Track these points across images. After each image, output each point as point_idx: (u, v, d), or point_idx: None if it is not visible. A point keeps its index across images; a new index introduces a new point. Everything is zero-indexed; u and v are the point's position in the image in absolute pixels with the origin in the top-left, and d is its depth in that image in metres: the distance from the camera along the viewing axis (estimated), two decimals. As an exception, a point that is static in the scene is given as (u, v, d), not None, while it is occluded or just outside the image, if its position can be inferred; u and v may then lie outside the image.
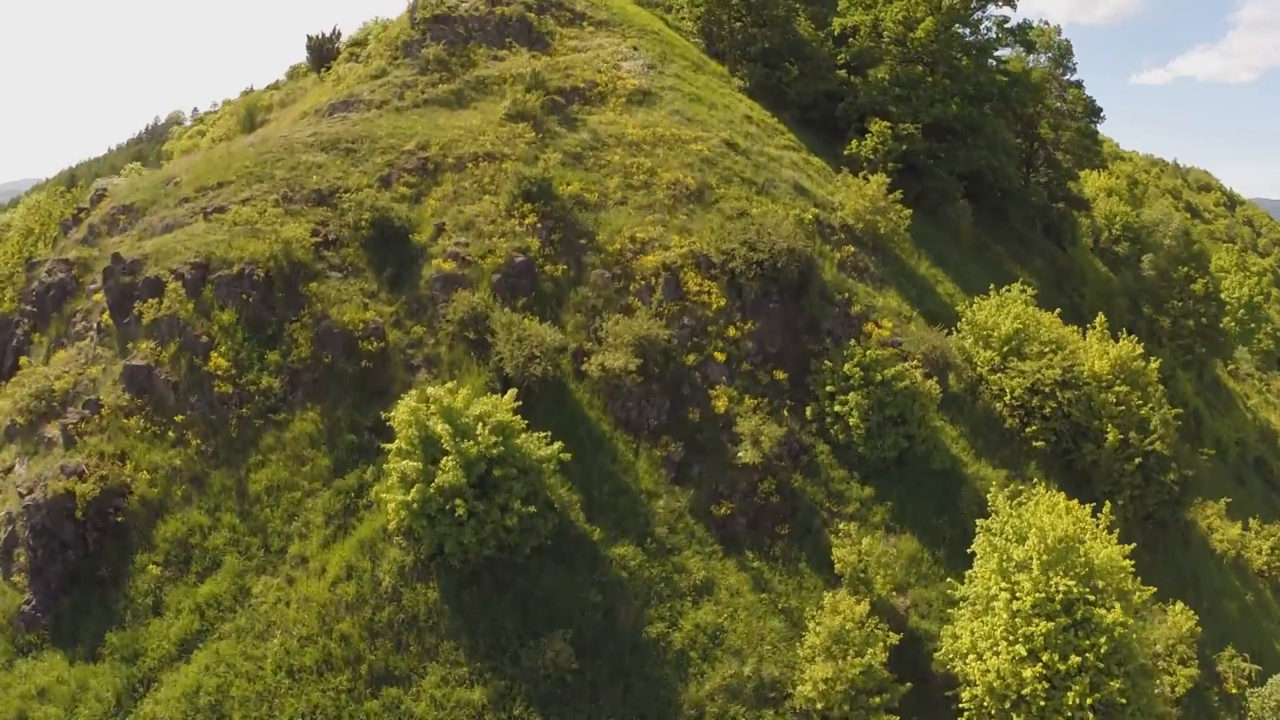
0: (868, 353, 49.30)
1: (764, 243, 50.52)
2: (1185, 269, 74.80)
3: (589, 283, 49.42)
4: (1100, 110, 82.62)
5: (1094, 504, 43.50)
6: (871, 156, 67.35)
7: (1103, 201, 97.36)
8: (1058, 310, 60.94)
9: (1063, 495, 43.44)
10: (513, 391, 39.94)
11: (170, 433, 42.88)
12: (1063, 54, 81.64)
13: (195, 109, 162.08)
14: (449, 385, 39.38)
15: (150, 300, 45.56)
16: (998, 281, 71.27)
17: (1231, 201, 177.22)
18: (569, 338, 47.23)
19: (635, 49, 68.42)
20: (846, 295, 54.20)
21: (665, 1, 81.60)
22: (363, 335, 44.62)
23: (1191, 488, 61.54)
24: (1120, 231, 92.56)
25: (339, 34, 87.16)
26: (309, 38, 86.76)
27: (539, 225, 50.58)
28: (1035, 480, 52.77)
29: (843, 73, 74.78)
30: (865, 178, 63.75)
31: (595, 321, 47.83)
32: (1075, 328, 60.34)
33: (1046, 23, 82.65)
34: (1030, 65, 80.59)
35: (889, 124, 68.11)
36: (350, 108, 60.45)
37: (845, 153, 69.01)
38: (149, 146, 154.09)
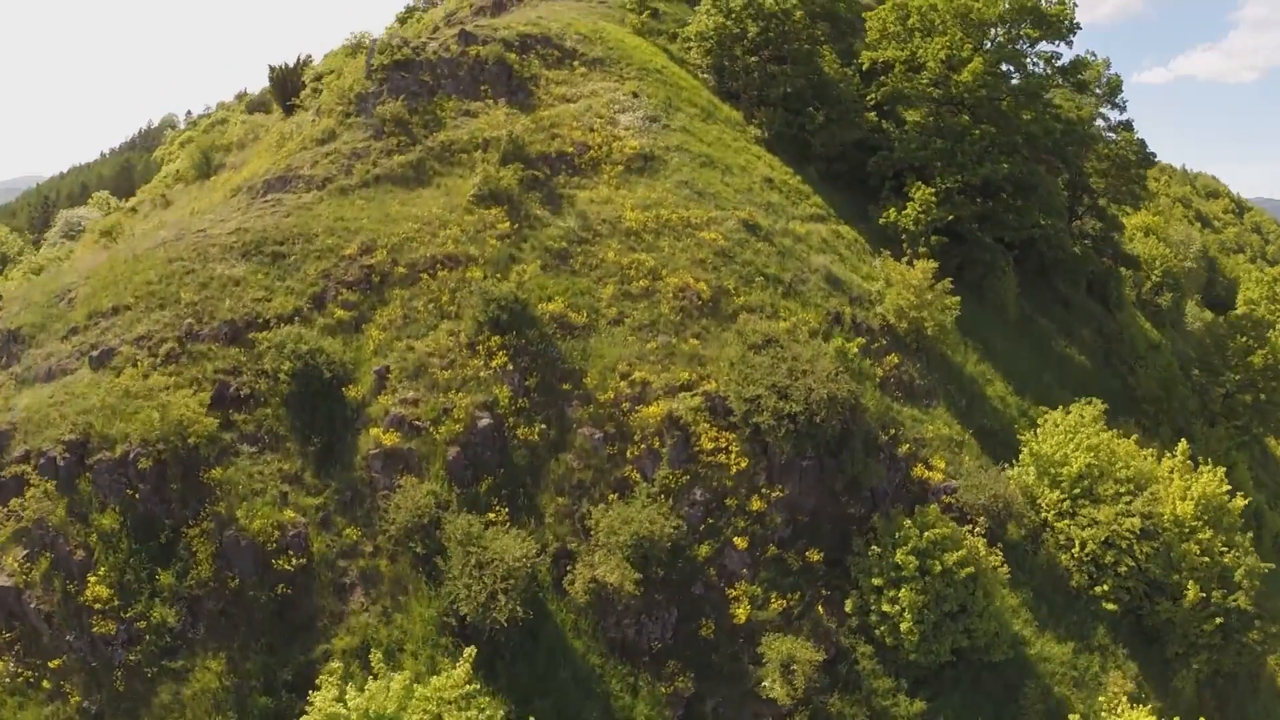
0: (924, 535, 38.26)
1: (797, 389, 38.87)
2: (1244, 339, 63.21)
3: (574, 447, 36.75)
4: (1153, 155, 70.16)
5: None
6: (912, 228, 55.67)
7: (1140, 243, 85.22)
8: (1134, 437, 49.55)
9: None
10: (466, 666, 28.96)
11: (45, 682, 31.51)
12: (1112, 90, 68.61)
13: (189, 111, 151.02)
14: (380, 671, 27.30)
15: (14, 500, 33.69)
16: (1048, 366, 59.71)
17: (1240, 208, 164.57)
18: (548, 532, 35.83)
19: (635, 95, 56.05)
20: (892, 434, 42.82)
21: (670, 29, 69.82)
22: (279, 548, 32.57)
23: (1274, 642, 51.00)
24: (1160, 277, 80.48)
25: (305, 62, 75.02)
26: (271, 69, 74.64)
27: (510, 366, 37.98)
28: (1106, 647, 42.35)
29: (873, 115, 61.58)
30: (909, 262, 52.16)
31: (581, 507, 35.69)
32: (1150, 453, 48.91)
33: (1094, 54, 69.48)
34: (1080, 104, 68.11)
35: (931, 189, 55.27)
36: (288, 185, 48.34)
37: (880, 221, 56.93)
38: (137, 155, 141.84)
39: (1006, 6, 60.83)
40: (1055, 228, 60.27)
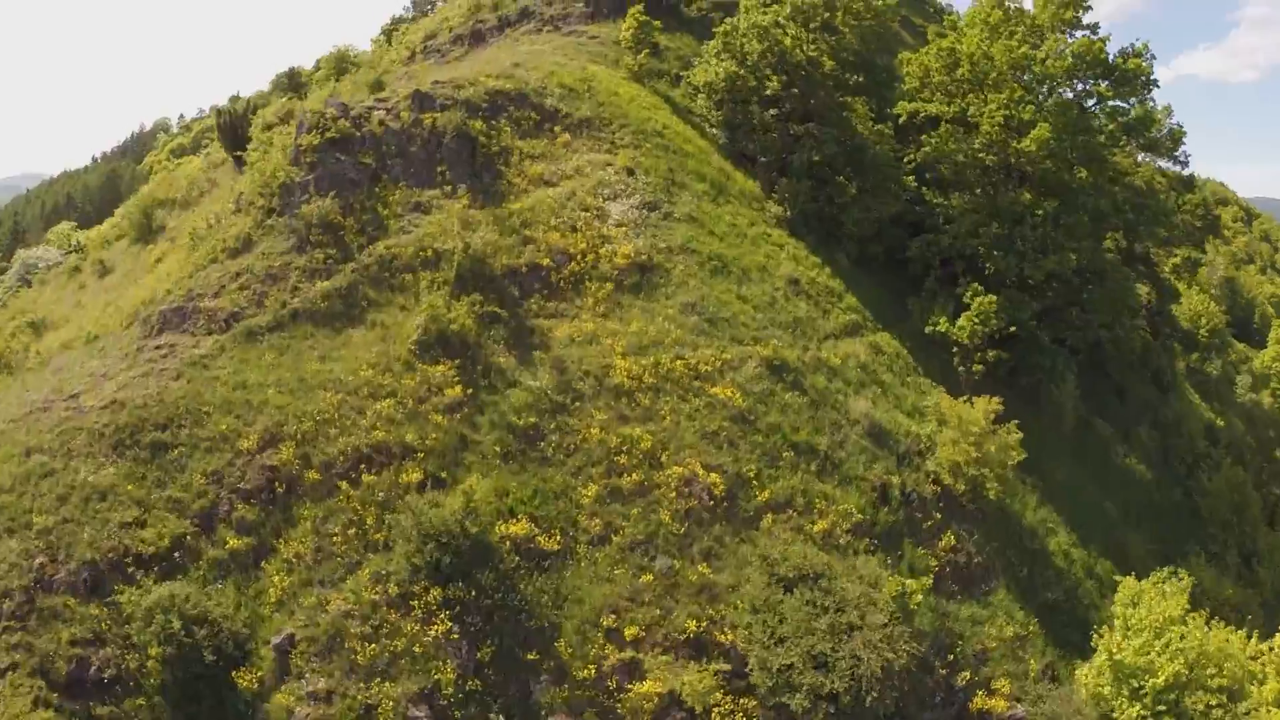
0: None
1: (841, 659, 27.80)
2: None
3: (542, 761, 27.34)
4: (1217, 218, 58.08)
5: None
6: (967, 341, 43.50)
7: (1185, 297, 73.29)
8: (1241, 633, 38.56)
9: None
10: None
11: None
12: (1174, 142, 56.00)
13: (181, 115, 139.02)
14: None
15: None
16: (1109, 490, 47.47)
17: (1249, 215, 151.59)
18: None
19: (630, 173, 43.98)
20: (950, 659, 32.13)
21: (672, 68, 56.33)
22: None
23: None
24: (1208, 337, 68.76)
25: (253, 108, 62.71)
26: (217, 113, 62.54)
27: (456, 633, 26.59)
28: None
29: (912, 180, 48.54)
30: (967, 394, 40.94)
31: None
32: (1242, 638, 37.80)
33: (1153, 99, 55.81)
34: (1148, 169, 55.79)
35: (992, 296, 43.02)
36: (186, 321, 36.18)
37: (928, 330, 45.38)
38: (124, 166, 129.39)
39: (1073, 60, 48.79)
40: (1126, 326, 48.70)
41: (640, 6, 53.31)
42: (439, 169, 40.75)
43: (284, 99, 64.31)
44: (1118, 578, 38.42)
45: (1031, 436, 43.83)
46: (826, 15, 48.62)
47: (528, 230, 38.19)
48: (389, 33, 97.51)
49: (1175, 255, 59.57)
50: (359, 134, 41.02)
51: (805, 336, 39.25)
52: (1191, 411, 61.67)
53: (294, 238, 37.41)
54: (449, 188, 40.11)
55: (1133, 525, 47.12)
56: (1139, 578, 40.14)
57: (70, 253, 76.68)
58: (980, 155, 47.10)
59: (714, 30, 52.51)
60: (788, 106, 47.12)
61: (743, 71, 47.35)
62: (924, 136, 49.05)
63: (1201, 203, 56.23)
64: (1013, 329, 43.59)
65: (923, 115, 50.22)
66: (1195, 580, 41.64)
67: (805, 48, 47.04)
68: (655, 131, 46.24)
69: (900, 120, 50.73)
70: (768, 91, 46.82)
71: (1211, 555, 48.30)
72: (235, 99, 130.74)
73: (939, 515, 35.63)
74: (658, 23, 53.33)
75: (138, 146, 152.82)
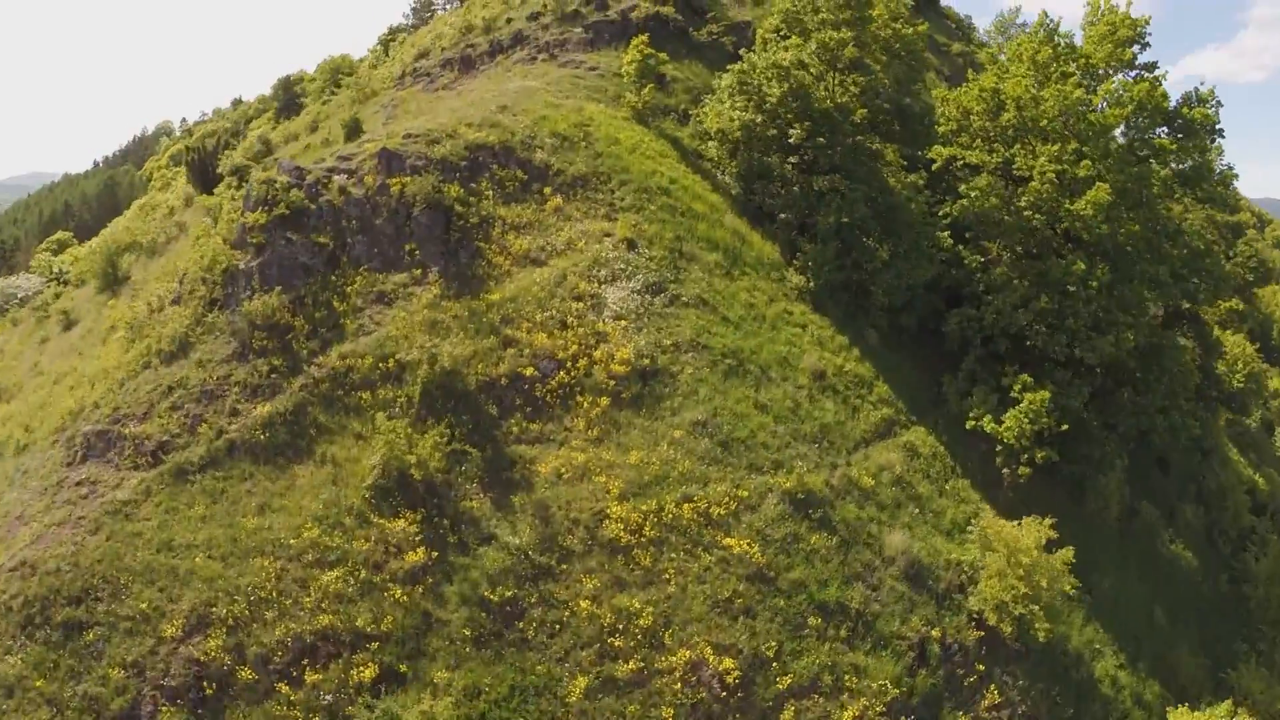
0: None
1: None
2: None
3: None
4: (1269, 270, 51.04)
5: None
6: (1014, 443, 36.17)
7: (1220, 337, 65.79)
8: None
9: None
10: None
11: None
12: (1224, 186, 48.54)
13: (184, 119, 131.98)
14: None
15: None
16: (1156, 592, 40.77)
17: (1261, 221, 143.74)
18: None
19: (630, 246, 36.90)
20: None
21: (680, 103, 47.19)
22: None
23: None
24: (1244, 380, 61.91)
25: (221, 146, 56.37)
26: (186, 151, 56.29)
27: None
28: None
29: (947, 237, 41.50)
30: (1014, 511, 34.78)
31: None
32: None
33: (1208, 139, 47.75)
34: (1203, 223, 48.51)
35: (1045, 389, 36.63)
36: (111, 449, 29.55)
37: (969, 424, 37.82)
38: (122, 173, 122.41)
39: (1134, 106, 41.94)
40: (1183, 410, 42.22)
41: (644, 38, 46.63)
42: (407, 247, 34.42)
43: (256, 133, 57.92)
44: (1169, 711, 33.03)
45: (1076, 533, 37.89)
46: (856, 51, 41.92)
47: (509, 329, 31.90)
48: (386, 42, 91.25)
49: (1220, 306, 53.07)
50: (315, 206, 34.66)
51: (833, 449, 33.03)
52: (1234, 477, 55.34)
53: (235, 341, 31.17)
54: (418, 271, 33.81)
55: (1181, 630, 41.26)
56: (1189, 700, 34.84)
57: (51, 281, 70.86)
58: (1027, 214, 40.58)
59: (728, 67, 45.83)
60: (811, 154, 40.60)
61: (760, 119, 40.82)
62: (963, 187, 42.48)
63: (1253, 254, 49.37)
64: (1063, 426, 37.36)
65: (959, 163, 43.66)
66: (1244, 694, 36.57)
67: (833, 92, 40.41)
68: (660, 188, 39.73)
69: (934, 165, 44.20)
70: (790, 140, 40.28)
71: (1261, 654, 42.59)
72: (214, 114, 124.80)
73: (981, 666, 29.65)
74: (663, 55, 46.55)
75: (140, 150, 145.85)
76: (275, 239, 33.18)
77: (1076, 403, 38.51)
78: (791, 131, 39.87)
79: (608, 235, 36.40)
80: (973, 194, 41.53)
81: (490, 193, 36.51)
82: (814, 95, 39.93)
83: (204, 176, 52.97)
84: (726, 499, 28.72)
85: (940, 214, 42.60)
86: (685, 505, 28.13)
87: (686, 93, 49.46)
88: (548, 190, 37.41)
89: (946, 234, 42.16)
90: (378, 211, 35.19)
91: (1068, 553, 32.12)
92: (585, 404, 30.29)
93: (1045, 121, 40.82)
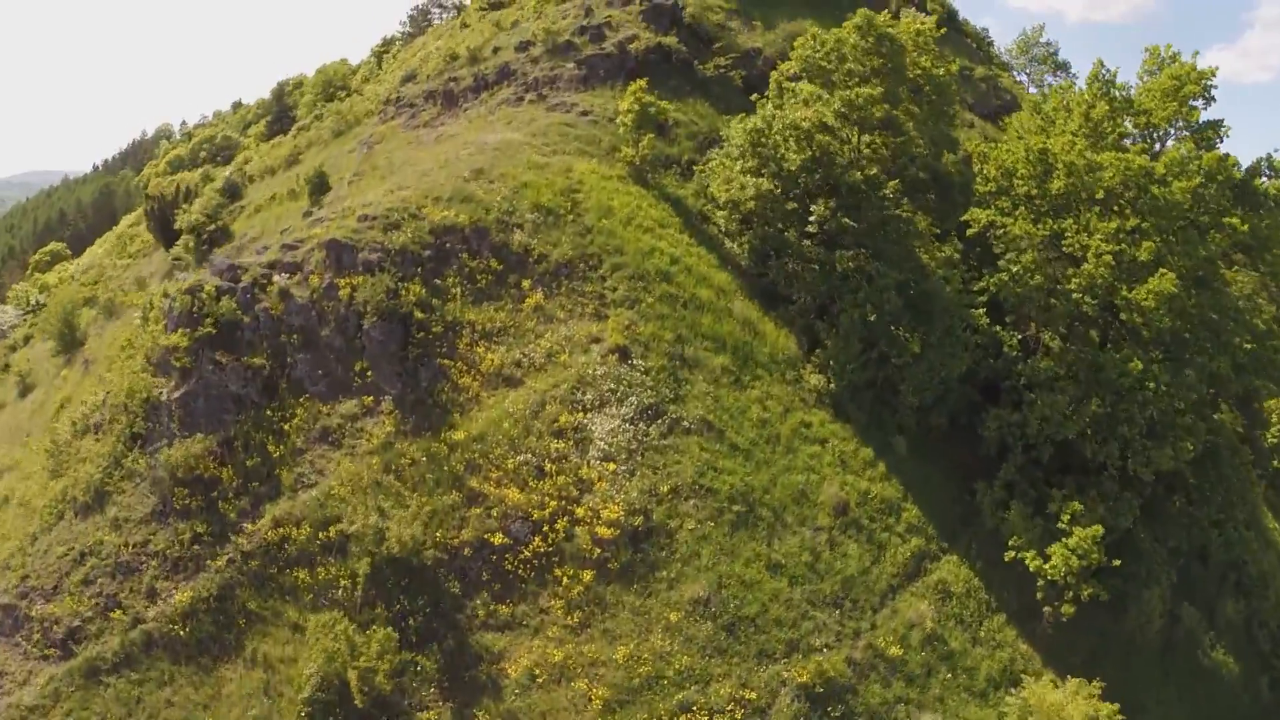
0: None
1: None
2: None
3: None
4: None
5: None
6: (1060, 579, 29.89)
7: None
8: None
9: None
10: None
11: None
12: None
13: (184, 122, 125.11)
14: None
15: None
16: (1198, 703, 34.75)
17: None
18: None
19: (624, 354, 29.81)
20: None
21: (684, 152, 39.96)
22: None
23: None
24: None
25: (187, 193, 50.14)
26: (147, 199, 50.45)
27: None
28: None
29: (982, 316, 34.84)
30: (1060, 682, 28.83)
31: None
32: None
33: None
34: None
35: (1098, 524, 30.45)
36: (18, 632, 24.96)
37: (1007, 556, 30.73)
38: (119, 180, 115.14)
39: (1201, 179, 34.88)
40: (1240, 521, 35.70)
41: (641, 83, 40.11)
42: (358, 367, 28.56)
43: (221, 176, 51.84)
44: None
45: (1116, 654, 32.56)
46: (886, 108, 35.38)
47: (475, 479, 25.94)
48: (380, 54, 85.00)
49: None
50: (249, 319, 28.88)
51: (857, 609, 27.14)
52: (1275, 558, 49.23)
53: (155, 494, 25.40)
54: (370, 399, 27.96)
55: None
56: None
57: (28, 313, 65.42)
58: (1077, 296, 34.35)
59: (739, 119, 39.36)
60: (833, 227, 34.34)
61: (777, 189, 34.52)
62: (1002, 261, 36.18)
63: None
64: (1115, 562, 31.36)
65: (1001, 229, 37.32)
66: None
67: (861, 160, 34.02)
68: (659, 273, 33.47)
69: (969, 230, 37.88)
70: (811, 217, 34.00)
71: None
72: (214, 116, 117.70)
73: None
74: (665, 104, 40.12)
75: (139, 154, 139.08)
76: (202, 363, 27.28)
77: (1126, 521, 32.59)
78: (813, 207, 33.57)
79: (596, 341, 30.35)
80: (1014, 269, 35.22)
81: (458, 290, 30.42)
82: (839, 163, 33.59)
83: (165, 229, 47.03)
84: (731, 704, 23.04)
85: (976, 288, 36.37)
86: (683, 718, 22.50)
87: (691, 138, 42.95)
88: (526, 283, 31.31)
89: (983, 312, 35.92)
90: (324, 320, 29.21)
91: (1114, 712, 26.55)
92: (565, 579, 24.47)
93: (1102, 193, 34.44)
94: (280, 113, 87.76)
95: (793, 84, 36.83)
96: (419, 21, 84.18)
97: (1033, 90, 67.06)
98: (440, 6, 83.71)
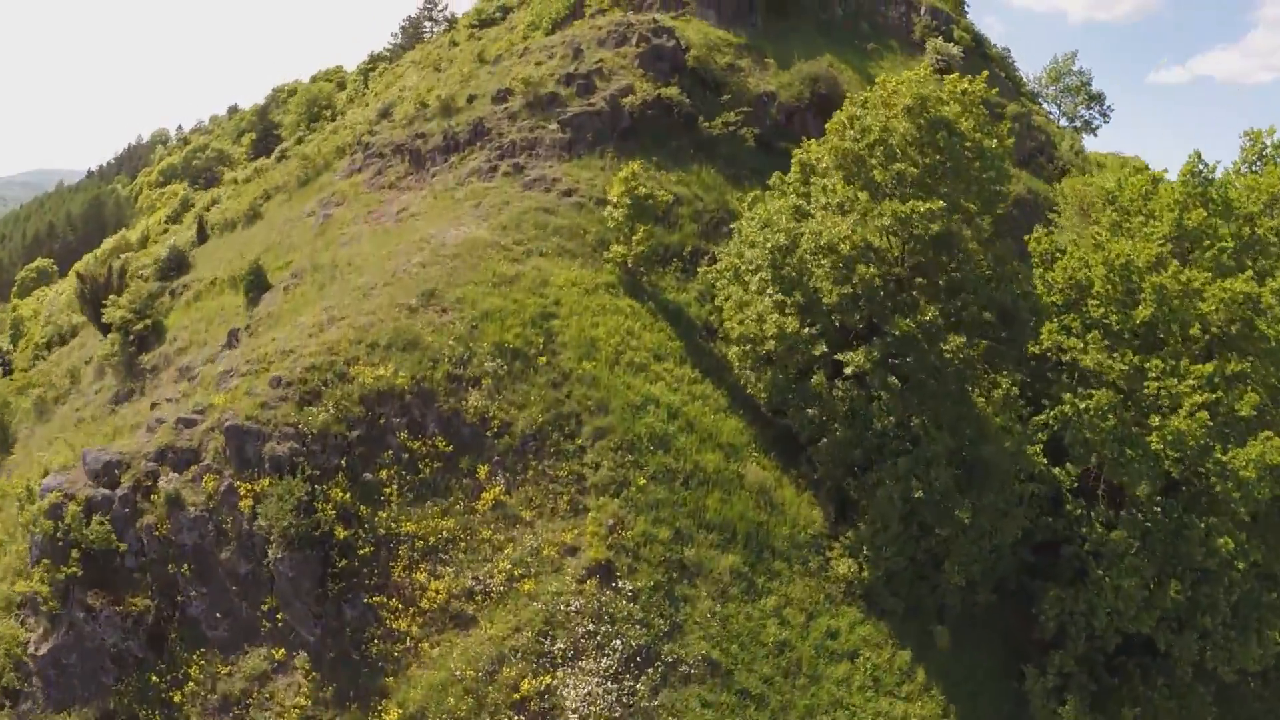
0: None
1: None
2: None
3: None
4: None
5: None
6: None
7: None
8: None
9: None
10: None
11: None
12: None
13: (180, 126, 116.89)
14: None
15: None
16: None
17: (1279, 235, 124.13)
18: None
19: (606, 573, 21.59)
20: None
21: (688, 244, 31.98)
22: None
23: None
24: None
25: (122, 272, 42.33)
26: (79, 276, 42.84)
27: None
28: None
29: (1039, 454, 26.74)
30: None
31: None
32: None
33: None
34: None
35: (1148, 678, 24.32)
36: None
37: None
38: (108, 190, 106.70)
39: None
40: None
41: (634, 167, 31.77)
42: (266, 604, 21.31)
43: (167, 243, 44.01)
44: None
45: None
46: (946, 221, 26.85)
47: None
48: (366, 71, 76.79)
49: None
50: (129, 543, 21.51)
51: None
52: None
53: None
54: (280, 652, 20.73)
55: None
56: None
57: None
58: (1157, 448, 26.37)
59: (748, 219, 30.98)
60: (875, 382, 26.30)
61: (806, 330, 26.47)
62: (1068, 396, 28.12)
63: None
64: None
65: (1070, 356, 29.22)
66: None
67: (916, 305, 25.73)
68: (654, 437, 25.51)
69: (1029, 347, 29.74)
70: (847, 369, 25.94)
71: None
72: (210, 121, 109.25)
73: None
74: (666, 176, 31.87)
75: (134, 159, 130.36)
76: (72, 608, 20.00)
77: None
78: (850, 355, 25.52)
79: (571, 553, 22.78)
80: (1083, 405, 27.21)
81: (394, 487, 22.84)
82: (885, 301, 25.40)
83: (97, 311, 39.51)
84: None
85: (1034, 421, 28.36)
86: None
87: (695, 219, 34.75)
88: (483, 470, 23.60)
89: (1040, 450, 27.95)
90: (223, 538, 21.72)
91: None
92: None
93: (1198, 326, 26.24)
94: (265, 132, 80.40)
95: (822, 178, 28.42)
96: (410, 33, 75.75)
97: (1063, 122, 58.06)
98: (431, 20, 75.28)
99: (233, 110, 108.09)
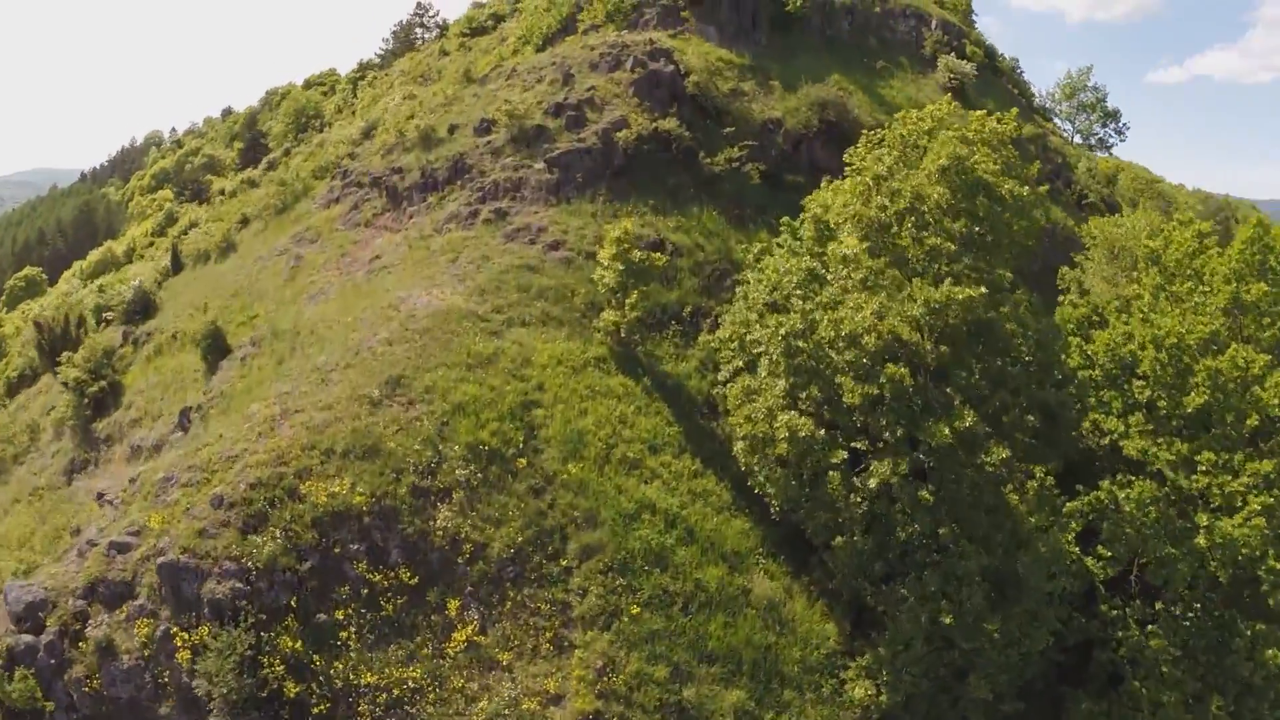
0: None
1: None
2: None
3: None
4: None
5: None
6: None
7: None
8: None
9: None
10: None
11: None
12: None
13: (173, 128, 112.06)
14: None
15: None
16: None
17: None
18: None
19: None
20: None
21: (689, 302, 28.27)
22: None
23: None
24: None
25: (80, 322, 38.87)
26: (38, 330, 39.18)
27: None
28: None
29: (1072, 545, 23.22)
30: None
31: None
32: None
33: None
34: None
35: None
36: None
37: None
38: (98, 197, 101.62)
39: None
40: None
41: (626, 225, 28.11)
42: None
43: (129, 288, 40.33)
44: None
45: None
46: (987, 306, 22.93)
47: None
48: (355, 80, 72.91)
49: None
50: (55, 700, 18.21)
51: None
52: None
53: None
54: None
55: None
56: None
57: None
58: (1203, 549, 22.98)
59: (755, 281, 27.35)
60: (904, 498, 22.70)
61: (823, 432, 22.91)
62: (1108, 483, 24.73)
63: None
64: None
65: (1109, 440, 25.75)
66: None
67: (953, 402, 22.10)
68: (650, 553, 22.18)
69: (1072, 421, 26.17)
70: (872, 482, 22.47)
71: None
72: (204, 123, 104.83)
73: None
74: (660, 259, 27.96)
75: (128, 162, 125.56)
76: None
77: None
78: (874, 465, 21.97)
79: (555, 702, 19.56)
80: (1123, 495, 23.85)
81: (352, 629, 19.54)
82: (915, 405, 21.83)
83: (54, 362, 36.16)
84: None
85: (1067, 509, 24.95)
86: None
87: (695, 273, 31.06)
88: (454, 604, 20.18)
89: (1073, 539, 24.57)
90: (161, 694, 18.56)
91: None
92: None
93: (1257, 418, 22.74)
94: (253, 140, 76.71)
95: (840, 243, 24.66)
96: (401, 38, 71.74)
97: (1077, 139, 54.14)
98: (423, 26, 71.30)
99: (226, 112, 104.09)
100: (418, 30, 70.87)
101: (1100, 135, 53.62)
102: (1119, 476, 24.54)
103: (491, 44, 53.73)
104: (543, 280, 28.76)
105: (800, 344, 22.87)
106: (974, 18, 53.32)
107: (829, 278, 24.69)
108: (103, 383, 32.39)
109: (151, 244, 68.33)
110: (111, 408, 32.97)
